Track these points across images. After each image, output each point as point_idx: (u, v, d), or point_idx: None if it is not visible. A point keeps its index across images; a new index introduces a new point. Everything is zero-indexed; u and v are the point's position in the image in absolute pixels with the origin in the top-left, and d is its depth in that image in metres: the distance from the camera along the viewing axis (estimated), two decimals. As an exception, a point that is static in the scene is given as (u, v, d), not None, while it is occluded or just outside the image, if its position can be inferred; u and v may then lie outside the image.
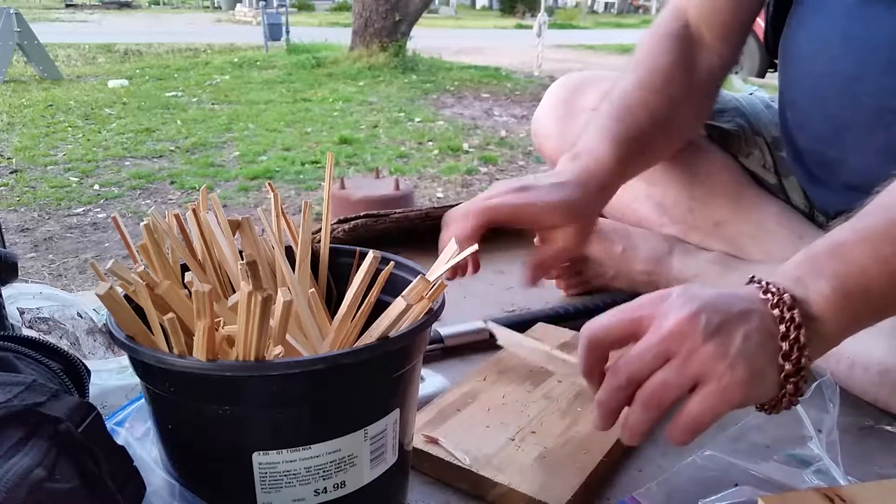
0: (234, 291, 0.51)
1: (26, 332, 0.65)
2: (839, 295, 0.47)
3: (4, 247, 0.76)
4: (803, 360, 0.46)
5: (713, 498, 0.52)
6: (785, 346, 0.46)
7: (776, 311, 0.46)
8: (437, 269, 0.48)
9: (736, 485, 0.55)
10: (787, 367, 0.46)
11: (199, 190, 0.54)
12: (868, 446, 0.64)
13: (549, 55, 8.50)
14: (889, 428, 0.67)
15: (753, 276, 0.50)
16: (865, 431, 0.67)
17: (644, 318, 0.48)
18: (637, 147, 0.74)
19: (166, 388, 0.42)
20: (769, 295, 0.47)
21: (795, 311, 0.46)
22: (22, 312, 0.68)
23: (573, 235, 0.70)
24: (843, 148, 0.77)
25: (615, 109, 0.75)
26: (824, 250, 0.49)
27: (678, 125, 0.81)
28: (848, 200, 0.79)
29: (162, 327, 0.43)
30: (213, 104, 5.54)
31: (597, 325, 0.50)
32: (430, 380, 0.71)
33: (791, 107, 0.84)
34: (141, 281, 0.43)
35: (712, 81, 0.82)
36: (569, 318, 0.86)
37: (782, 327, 0.46)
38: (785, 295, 0.47)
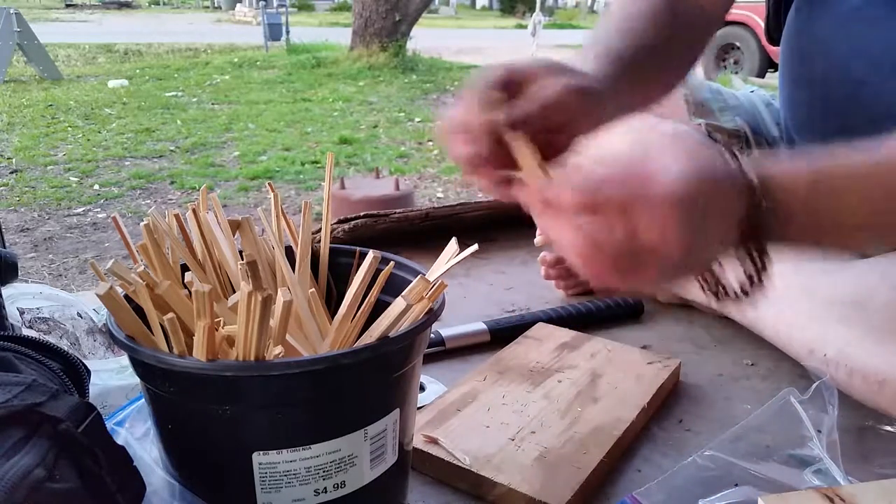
0: (234, 291, 0.51)
1: (26, 332, 0.65)
2: (811, 184, 0.45)
3: (4, 247, 0.76)
4: (758, 232, 0.43)
5: (713, 498, 0.52)
6: (745, 225, 0.43)
7: (738, 181, 0.42)
8: (437, 269, 0.48)
9: (736, 485, 0.55)
10: (741, 246, 0.44)
11: (199, 190, 0.54)
12: (868, 446, 0.64)
13: (549, 55, 8.49)
14: (889, 428, 0.67)
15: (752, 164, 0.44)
16: (865, 431, 0.67)
17: (640, 168, 0.41)
18: (635, 66, 0.63)
19: (166, 388, 0.42)
20: (734, 162, 0.43)
21: (756, 188, 0.42)
22: (22, 312, 0.68)
23: (574, 93, 0.51)
24: None
25: (596, 36, 0.65)
26: (823, 150, 0.46)
27: (665, 62, 0.71)
28: None
29: (162, 327, 0.43)
30: (213, 104, 5.54)
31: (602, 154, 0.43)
32: (431, 387, 0.71)
33: (793, 108, 0.83)
34: (141, 281, 0.43)
35: (695, 39, 0.74)
36: (569, 318, 0.86)
37: (741, 205, 0.42)
38: (750, 171, 0.42)
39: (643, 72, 0.66)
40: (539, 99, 0.50)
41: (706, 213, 0.41)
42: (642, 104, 0.68)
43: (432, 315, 0.46)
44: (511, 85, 0.52)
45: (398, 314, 0.44)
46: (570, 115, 0.50)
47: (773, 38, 0.86)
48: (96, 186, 3.42)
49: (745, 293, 0.46)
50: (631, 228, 0.40)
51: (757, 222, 0.43)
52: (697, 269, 0.45)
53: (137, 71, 7.22)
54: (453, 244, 0.50)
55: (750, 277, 0.45)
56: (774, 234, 0.44)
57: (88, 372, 0.48)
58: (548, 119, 0.49)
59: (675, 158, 0.42)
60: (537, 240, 0.90)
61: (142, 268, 0.43)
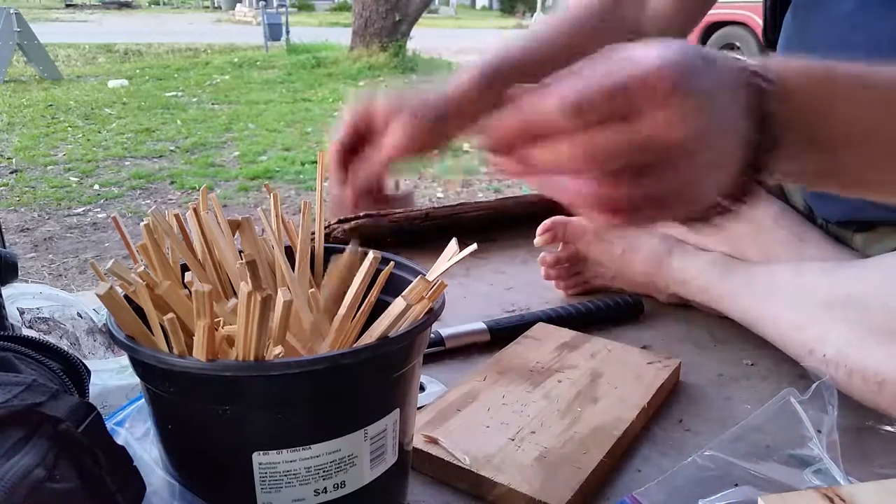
0: (234, 291, 0.51)
1: (26, 332, 0.65)
2: (805, 101, 0.41)
3: (4, 247, 0.76)
4: (767, 143, 0.40)
5: (713, 498, 0.52)
6: (755, 138, 0.39)
7: (749, 91, 0.39)
8: (437, 269, 0.48)
9: (736, 485, 0.55)
10: (750, 169, 0.40)
11: (199, 190, 0.54)
12: (868, 446, 0.64)
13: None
14: (889, 428, 0.67)
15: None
16: (865, 432, 0.67)
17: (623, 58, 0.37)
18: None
19: (166, 388, 0.42)
20: (750, 72, 0.39)
21: (769, 99, 0.39)
22: (22, 312, 0.68)
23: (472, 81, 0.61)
24: None
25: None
26: (821, 64, 0.43)
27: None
28: (849, 209, 0.79)
29: (162, 327, 0.43)
30: (213, 104, 5.54)
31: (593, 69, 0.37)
32: (431, 387, 0.71)
33: None
34: (141, 281, 0.43)
35: (643, 24, 0.76)
36: (569, 318, 0.86)
37: (754, 114, 0.39)
38: (767, 77, 0.39)
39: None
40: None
41: (712, 93, 0.37)
42: None
43: (432, 315, 0.46)
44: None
45: (398, 314, 0.44)
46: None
47: (770, 40, 0.86)
48: (96, 186, 3.42)
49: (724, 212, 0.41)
50: (633, 126, 0.35)
51: (762, 116, 0.39)
52: (722, 176, 0.39)
53: (137, 71, 7.22)
54: (453, 244, 0.50)
55: (735, 197, 0.41)
56: (779, 137, 0.40)
57: (88, 372, 0.48)
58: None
59: (657, 45, 0.37)
60: (537, 240, 0.90)
61: (142, 268, 0.43)
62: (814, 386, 0.61)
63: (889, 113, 0.43)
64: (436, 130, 0.58)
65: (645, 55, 0.36)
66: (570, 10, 0.74)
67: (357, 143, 0.58)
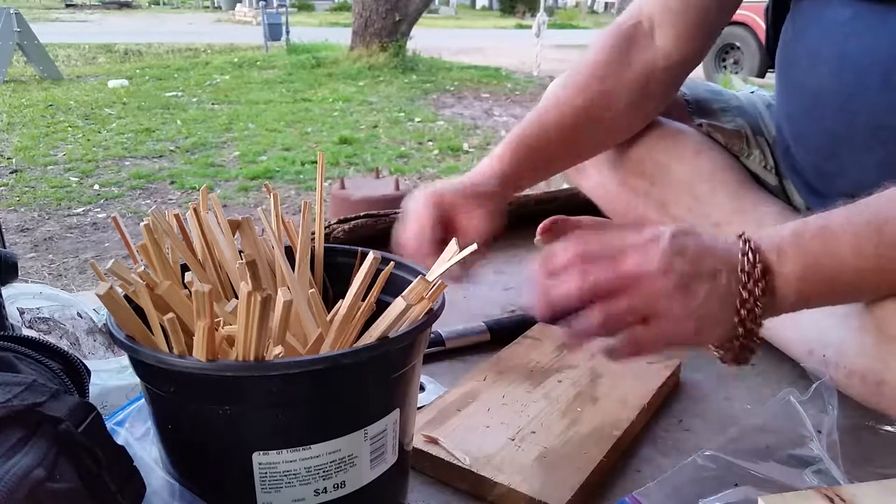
0: (234, 291, 0.51)
1: (26, 332, 0.65)
2: (809, 278, 0.52)
3: (4, 247, 0.76)
4: (754, 328, 0.51)
5: (713, 498, 0.52)
6: (743, 312, 0.51)
7: (744, 277, 0.51)
8: (437, 269, 0.48)
9: (736, 485, 0.55)
10: (740, 332, 0.51)
11: (199, 190, 0.54)
12: (868, 446, 0.64)
13: (549, 55, 8.49)
14: (889, 428, 0.67)
15: (743, 234, 0.54)
16: (865, 432, 0.67)
17: (627, 251, 0.51)
18: (539, 143, 0.79)
19: (166, 388, 0.42)
20: (745, 260, 0.51)
21: (760, 284, 0.51)
22: (22, 312, 0.68)
23: (485, 217, 0.73)
24: (841, 163, 0.76)
25: (532, 111, 0.81)
26: (813, 231, 0.53)
27: (603, 122, 0.82)
28: None
29: (162, 327, 0.43)
30: (213, 104, 5.54)
31: (588, 233, 0.54)
32: (431, 387, 0.71)
33: (788, 120, 0.83)
34: (141, 281, 0.43)
35: (656, 83, 0.82)
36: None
37: (744, 293, 0.51)
38: (759, 266, 0.51)
39: (562, 146, 0.81)
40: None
41: (699, 258, 0.51)
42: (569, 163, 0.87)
43: (432, 315, 0.46)
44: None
45: (398, 314, 0.44)
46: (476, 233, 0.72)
47: (772, 48, 0.86)
48: (96, 186, 3.42)
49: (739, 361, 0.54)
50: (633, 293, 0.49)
51: (753, 309, 0.51)
52: (715, 325, 0.51)
53: (137, 71, 7.21)
54: (453, 244, 0.50)
55: (743, 351, 0.53)
56: (771, 293, 0.51)
57: (88, 372, 0.48)
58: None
59: (666, 245, 0.51)
60: (537, 239, 0.90)
61: (142, 268, 0.43)
62: (813, 386, 0.61)
63: (871, 256, 0.52)
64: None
65: (644, 235, 0.51)
66: (587, 59, 0.82)
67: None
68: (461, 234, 0.72)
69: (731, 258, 0.52)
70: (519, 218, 1.17)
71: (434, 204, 0.71)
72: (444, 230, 0.70)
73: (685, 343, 0.51)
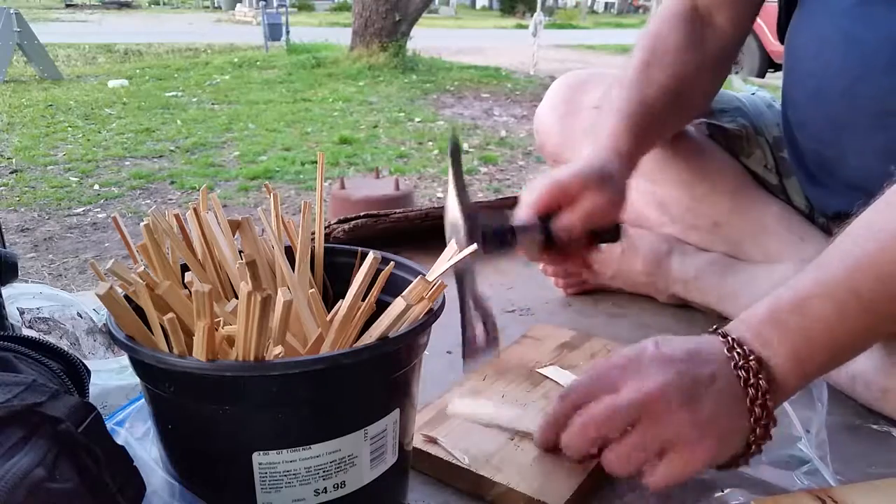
0: (234, 291, 0.51)
1: (26, 332, 0.65)
2: (804, 356, 0.50)
3: (4, 247, 0.76)
4: (769, 422, 0.50)
5: (705, 501, 0.52)
6: (756, 409, 0.49)
7: (742, 373, 0.49)
8: (437, 269, 0.48)
9: (727, 488, 0.55)
10: (757, 430, 0.50)
11: (199, 190, 0.54)
12: (856, 445, 0.64)
13: (549, 55, 8.50)
14: (876, 426, 0.67)
15: (717, 328, 0.53)
16: (853, 430, 0.67)
17: (619, 381, 0.51)
18: (652, 129, 0.78)
19: (166, 388, 0.42)
20: (735, 355, 0.50)
21: (761, 376, 0.49)
22: (22, 312, 0.68)
23: (608, 201, 0.71)
24: (843, 148, 0.76)
25: (624, 90, 0.79)
26: (789, 305, 0.51)
27: (688, 100, 0.83)
28: (847, 201, 0.79)
29: (162, 327, 0.43)
30: (213, 104, 5.54)
31: (573, 385, 0.54)
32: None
33: (792, 106, 0.83)
34: (141, 281, 0.43)
35: (723, 58, 0.84)
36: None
37: (750, 390, 0.49)
38: (751, 359, 0.49)
39: (661, 123, 0.80)
40: (580, 212, 0.69)
41: (698, 382, 0.49)
42: (664, 137, 0.85)
43: (432, 315, 0.46)
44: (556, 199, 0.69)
45: (398, 314, 0.44)
46: (602, 218, 0.70)
47: (783, 38, 0.86)
48: (96, 186, 3.42)
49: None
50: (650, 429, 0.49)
51: (763, 404, 0.49)
52: (732, 438, 0.50)
53: (137, 71, 7.21)
54: (453, 244, 0.50)
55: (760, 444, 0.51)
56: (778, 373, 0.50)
57: (88, 372, 0.48)
58: (588, 224, 0.69)
59: (651, 360, 0.51)
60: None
61: (142, 268, 0.43)
62: None
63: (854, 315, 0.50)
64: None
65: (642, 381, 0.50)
66: (666, 43, 0.81)
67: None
68: (589, 218, 0.69)
69: (720, 357, 0.50)
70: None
71: (551, 192, 0.69)
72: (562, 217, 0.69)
73: (709, 464, 0.50)
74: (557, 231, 0.69)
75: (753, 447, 0.51)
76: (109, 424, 0.51)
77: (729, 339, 0.51)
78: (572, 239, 0.69)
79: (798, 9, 0.81)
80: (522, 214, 0.69)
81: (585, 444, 0.51)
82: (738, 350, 0.50)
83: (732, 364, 0.50)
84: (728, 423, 0.49)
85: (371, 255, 0.45)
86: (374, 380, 0.44)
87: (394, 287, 0.49)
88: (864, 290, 0.49)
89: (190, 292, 0.39)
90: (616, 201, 0.72)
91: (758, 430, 0.50)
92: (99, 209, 3.10)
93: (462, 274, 0.58)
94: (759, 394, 0.49)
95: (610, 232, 0.74)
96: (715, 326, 0.54)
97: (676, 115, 0.84)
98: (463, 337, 0.58)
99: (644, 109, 0.77)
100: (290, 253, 0.54)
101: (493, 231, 0.66)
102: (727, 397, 0.49)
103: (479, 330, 0.60)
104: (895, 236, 0.49)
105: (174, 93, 5.94)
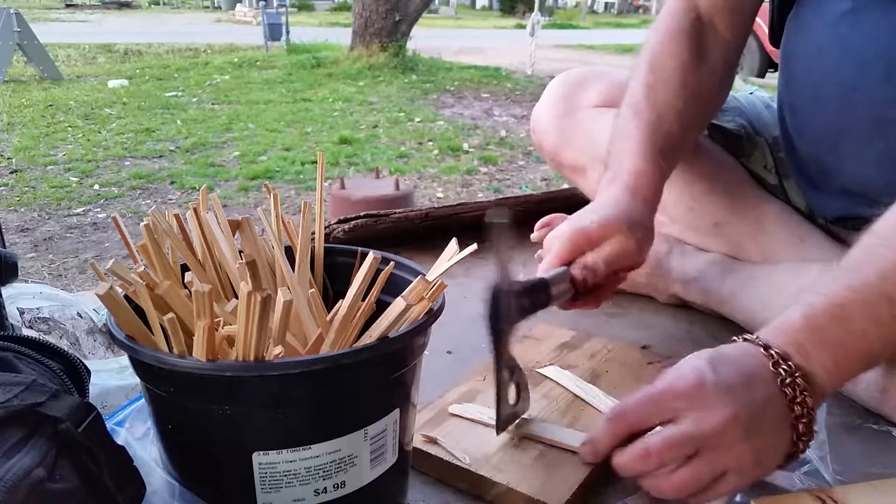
0: (234, 291, 0.51)
1: (26, 332, 0.65)
2: (842, 366, 0.51)
3: (4, 247, 0.76)
4: (810, 438, 0.51)
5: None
6: (800, 426, 0.50)
7: (789, 391, 0.50)
8: (437, 269, 0.49)
9: None
10: (800, 445, 0.51)
11: (199, 190, 0.54)
12: (856, 445, 0.64)
13: (548, 55, 8.50)
14: (876, 427, 0.67)
15: (755, 337, 0.53)
16: (853, 430, 0.67)
17: (681, 410, 0.50)
18: (671, 155, 0.76)
19: (166, 388, 0.42)
20: (781, 371, 0.50)
21: (807, 393, 0.50)
22: (22, 312, 0.68)
23: (634, 245, 0.68)
24: (841, 155, 0.76)
25: (645, 122, 0.76)
26: (825, 314, 0.51)
27: (700, 116, 0.82)
28: (845, 206, 0.79)
29: (162, 327, 0.43)
30: (213, 104, 5.54)
31: (630, 406, 0.52)
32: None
33: (790, 112, 0.83)
34: (141, 281, 0.43)
35: (726, 69, 0.84)
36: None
37: (797, 408, 0.50)
38: (797, 376, 0.50)
39: (678, 147, 0.78)
40: (604, 257, 0.66)
41: (740, 391, 0.49)
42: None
43: (432, 315, 0.46)
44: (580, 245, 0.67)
45: (398, 314, 0.44)
46: (627, 260, 0.68)
47: (776, 41, 0.86)
48: (96, 186, 3.42)
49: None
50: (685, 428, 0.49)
51: (809, 417, 0.50)
52: (778, 446, 0.51)
53: (137, 71, 7.21)
54: (453, 244, 0.50)
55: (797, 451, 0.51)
56: (817, 381, 0.51)
57: (88, 372, 0.48)
58: (612, 267, 0.67)
59: (713, 390, 0.50)
60: (534, 235, 0.90)
61: (142, 268, 0.43)
62: None
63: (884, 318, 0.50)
64: None
65: (685, 378, 0.50)
66: (671, 61, 0.79)
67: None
68: (615, 262, 0.67)
69: (768, 377, 0.50)
70: (518, 218, 1.17)
71: (576, 243, 0.67)
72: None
73: (758, 477, 0.51)
74: (583, 273, 0.66)
75: (792, 459, 0.51)
76: (109, 424, 0.51)
77: (773, 353, 0.51)
78: (596, 281, 0.67)
79: (794, 14, 0.81)
80: (550, 264, 0.67)
81: (642, 468, 0.51)
82: (784, 367, 0.50)
83: (779, 381, 0.50)
84: (777, 443, 0.50)
85: (371, 255, 0.45)
86: (374, 380, 0.44)
87: (394, 287, 0.49)
88: None
89: (190, 292, 0.39)
90: (642, 244, 0.70)
91: (800, 444, 0.50)
92: (99, 209, 3.10)
93: (499, 336, 0.57)
94: (805, 411, 0.50)
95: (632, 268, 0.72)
96: (747, 335, 0.53)
97: (691, 134, 0.82)
98: (497, 399, 0.58)
99: (662, 139, 0.75)
100: (290, 253, 0.54)
101: (527, 289, 0.63)
102: (778, 420, 0.50)
103: (511, 391, 0.60)
104: None
105: (174, 93, 5.94)
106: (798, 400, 0.49)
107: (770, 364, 0.50)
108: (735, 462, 0.49)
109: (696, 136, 0.86)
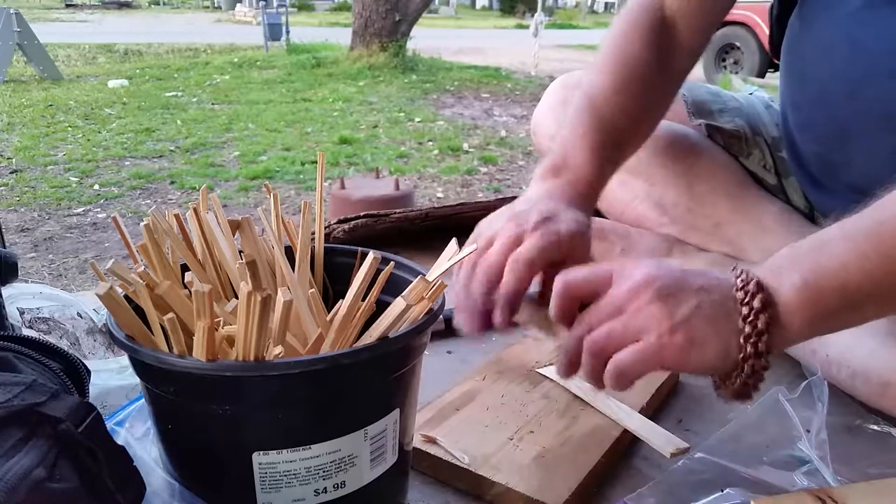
0: (234, 291, 0.51)
1: (26, 332, 0.65)
2: (811, 287, 0.47)
3: (4, 247, 0.76)
4: (760, 346, 0.47)
5: (704, 501, 0.52)
6: (746, 328, 0.47)
7: (739, 294, 0.48)
8: (437, 269, 0.49)
9: (727, 488, 0.55)
10: (747, 348, 0.47)
11: (199, 190, 0.54)
12: (856, 445, 0.64)
13: (549, 55, 8.50)
14: (875, 427, 0.67)
15: (736, 266, 0.51)
16: (853, 431, 0.67)
17: (612, 275, 0.50)
18: (614, 153, 0.73)
19: (166, 388, 0.42)
20: (737, 281, 0.49)
21: (759, 295, 0.47)
22: (22, 312, 0.68)
23: (579, 246, 0.63)
24: (848, 152, 0.76)
25: (593, 118, 0.73)
26: (808, 246, 0.50)
27: (651, 119, 0.80)
28: (851, 204, 0.79)
29: (162, 327, 0.43)
30: (213, 104, 5.54)
31: (570, 276, 0.52)
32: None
33: (794, 109, 0.83)
34: (141, 281, 0.43)
35: (683, 72, 0.81)
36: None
37: (743, 309, 0.47)
38: (752, 282, 0.48)
39: (625, 145, 0.76)
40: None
41: (687, 293, 0.48)
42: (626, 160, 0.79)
43: (432, 315, 0.46)
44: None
45: (398, 314, 0.44)
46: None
47: (776, 43, 0.86)
48: (96, 186, 3.41)
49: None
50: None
51: (755, 324, 0.47)
52: (715, 348, 0.48)
53: (137, 71, 7.20)
54: (453, 244, 0.50)
55: (745, 388, 0.49)
56: (777, 306, 0.48)
57: (88, 372, 0.48)
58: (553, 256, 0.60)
59: (648, 262, 0.50)
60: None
61: (142, 268, 0.43)
62: (803, 384, 0.61)
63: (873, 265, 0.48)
64: None
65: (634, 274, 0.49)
66: (628, 54, 0.76)
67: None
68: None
69: (721, 278, 0.50)
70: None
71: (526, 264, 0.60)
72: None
73: (676, 363, 0.48)
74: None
75: (744, 371, 0.48)
76: (109, 424, 0.51)
77: (739, 269, 0.50)
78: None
79: (797, 13, 0.81)
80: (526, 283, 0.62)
81: (575, 342, 0.50)
82: (743, 276, 0.49)
83: (733, 288, 0.48)
84: (707, 329, 0.47)
85: (371, 255, 0.45)
86: (374, 380, 0.44)
87: (394, 287, 0.49)
88: (889, 238, 0.47)
89: (190, 292, 0.39)
90: (587, 243, 0.64)
91: (748, 347, 0.47)
92: (99, 209, 3.10)
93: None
94: (752, 313, 0.47)
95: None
96: (735, 265, 0.52)
97: (639, 139, 0.79)
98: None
99: (612, 141, 0.72)
100: (290, 253, 0.54)
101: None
102: (714, 306, 0.48)
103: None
104: None
105: (174, 93, 5.94)
106: (746, 301, 0.47)
107: (732, 274, 0.49)
108: (648, 322, 0.47)
109: (648, 131, 0.82)
